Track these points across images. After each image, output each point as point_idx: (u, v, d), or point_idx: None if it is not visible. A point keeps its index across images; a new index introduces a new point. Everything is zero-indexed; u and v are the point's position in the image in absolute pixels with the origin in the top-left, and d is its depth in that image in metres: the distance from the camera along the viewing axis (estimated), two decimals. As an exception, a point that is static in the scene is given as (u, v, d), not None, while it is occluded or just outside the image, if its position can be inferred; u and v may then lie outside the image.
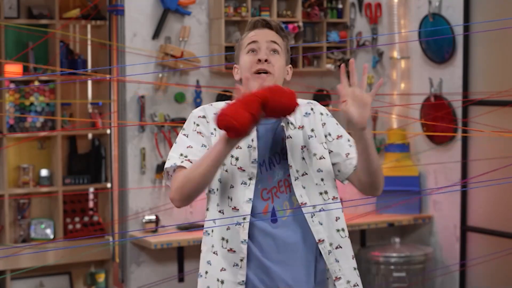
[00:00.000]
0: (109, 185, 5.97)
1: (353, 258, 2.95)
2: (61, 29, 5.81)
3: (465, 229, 5.79)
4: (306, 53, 5.96)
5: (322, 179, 2.79)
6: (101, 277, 5.99)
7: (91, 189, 6.06)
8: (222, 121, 2.54)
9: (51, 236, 5.88)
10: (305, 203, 2.75)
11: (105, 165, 6.03)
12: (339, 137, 2.87)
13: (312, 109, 2.91)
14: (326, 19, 5.91)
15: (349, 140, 2.87)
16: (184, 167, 2.74)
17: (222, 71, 5.65)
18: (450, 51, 5.81)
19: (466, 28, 5.71)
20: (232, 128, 2.53)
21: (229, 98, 5.71)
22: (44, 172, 5.90)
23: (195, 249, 5.64)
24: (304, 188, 2.76)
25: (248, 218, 2.72)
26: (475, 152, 5.69)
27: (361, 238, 6.19)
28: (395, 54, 6.19)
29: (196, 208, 5.68)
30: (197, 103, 5.65)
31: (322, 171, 2.80)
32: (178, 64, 5.50)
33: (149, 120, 5.52)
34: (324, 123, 2.90)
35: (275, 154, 2.78)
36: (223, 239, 2.76)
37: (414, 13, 6.07)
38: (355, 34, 6.13)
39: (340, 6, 5.98)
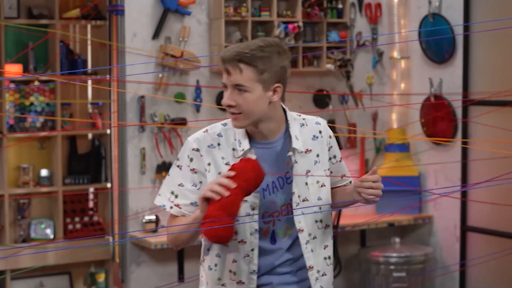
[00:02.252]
0: (109, 185, 5.97)
1: (332, 284, 2.97)
2: (61, 29, 5.81)
3: (465, 229, 5.79)
4: (306, 53, 5.96)
5: (320, 208, 2.83)
6: (101, 277, 5.99)
7: (91, 189, 6.06)
8: (211, 238, 2.58)
9: (51, 236, 5.88)
10: (302, 230, 2.80)
11: (105, 165, 6.03)
12: (341, 159, 2.96)
13: (320, 131, 2.88)
14: (326, 19, 5.91)
15: (344, 162, 2.99)
16: (175, 215, 2.80)
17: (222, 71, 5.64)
18: (450, 51, 5.81)
19: (466, 28, 5.71)
20: (223, 240, 2.59)
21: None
22: (44, 172, 5.90)
23: (195, 249, 5.63)
24: (302, 214, 2.80)
25: (256, 250, 2.77)
26: (475, 152, 5.68)
27: (361, 238, 6.19)
28: (395, 54, 6.19)
29: (196, 208, 5.67)
30: (197, 104, 5.64)
31: (321, 199, 2.84)
32: (178, 64, 5.50)
33: (149, 120, 5.52)
34: (331, 146, 2.92)
35: (278, 178, 2.79)
36: (230, 271, 2.80)
37: (414, 13, 6.07)
38: (355, 34, 6.13)
39: (340, 6, 5.98)
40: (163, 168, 5.58)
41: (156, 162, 5.58)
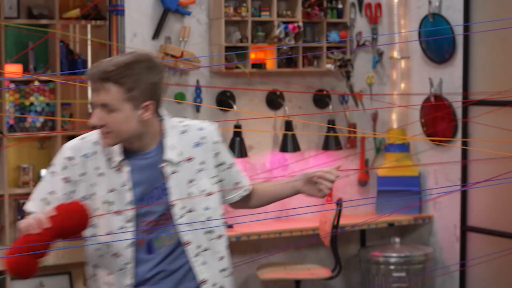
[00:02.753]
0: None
1: None
2: (61, 29, 5.81)
3: (465, 229, 5.79)
4: (306, 53, 5.95)
5: (209, 218, 2.69)
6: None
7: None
8: (9, 271, 2.52)
9: (51, 236, 5.87)
10: (190, 242, 2.67)
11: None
12: (231, 165, 2.80)
13: (204, 137, 2.73)
14: (326, 19, 5.91)
15: (237, 168, 2.83)
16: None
17: (222, 71, 5.65)
18: (450, 51, 5.81)
19: (466, 28, 5.71)
20: (19, 277, 2.56)
21: (228, 97, 5.72)
22: (44, 172, 5.89)
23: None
24: (190, 226, 2.66)
25: (132, 263, 2.65)
26: (475, 152, 5.68)
27: (361, 238, 6.19)
28: (395, 54, 6.19)
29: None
30: (197, 104, 5.64)
31: (209, 208, 2.70)
32: (178, 64, 5.50)
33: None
34: (218, 152, 2.76)
35: (156, 188, 2.66)
36: (105, 284, 2.70)
37: (414, 13, 6.06)
38: (355, 34, 6.13)
39: (340, 6, 5.98)
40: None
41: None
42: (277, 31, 5.65)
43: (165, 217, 2.67)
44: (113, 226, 2.64)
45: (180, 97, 5.59)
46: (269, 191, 2.90)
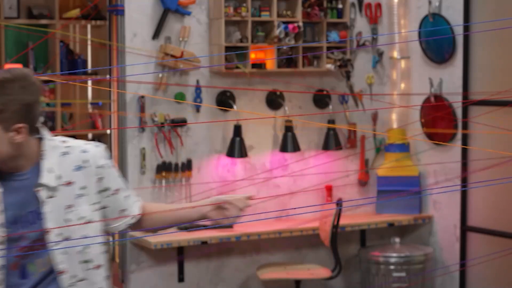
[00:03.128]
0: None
1: None
2: (61, 29, 5.81)
3: (465, 229, 5.78)
4: (306, 53, 5.95)
5: (86, 247, 2.54)
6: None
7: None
8: None
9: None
10: (65, 271, 2.52)
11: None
12: (116, 191, 2.64)
13: (87, 161, 2.56)
14: (326, 19, 5.91)
15: (125, 194, 2.67)
16: None
17: (222, 71, 5.65)
18: (450, 51, 5.81)
19: (466, 28, 5.71)
20: None
21: (228, 97, 5.72)
22: (44, 172, 5.89)
23: (195, 249, 5.64)
24: (65, 254, 2.52)
25: (3, 286, 2.50)
26: (475, 152, 5.68)
27: (361, 238, 6.19)
28: (395, 54, 6.19)
29: (196, 208, 5.67)
30: (197, 104, 5.65)
31: (88, 237, 2.53)
32: (178, 64, 5.50)
33: (149, 120, 5.51)
34: (101, 177, 2.59)
35: (30, 213, 2.52)
36: None
37: (414, 13, 6.06)
38: (355, 34, 6.13)
39: (340, 6, 5.98)
40: (163, 168, 5.58)
41: (156, 162, 5.58)
42: (277, 31, 5.65)
43: (40, 243, 2.53)
44: None
45: (180, 97, 5.59)
46: (170, 216, 2.76)
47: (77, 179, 2.54)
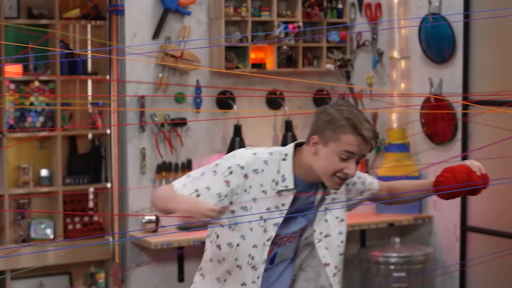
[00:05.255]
0: (109, 185, 5.97)
1: None
2: (61, 29, 5.81)
3: (465, 229, 5.79)
4: (306, 53, 5.96)
5: (342, 241, 2.93)
6: (101, 277, 5.99)
7: (91, 189, 6.06)
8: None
9: (51, 236, 5.87)
10: (328, 264, 2.90)
11: (105, 165, 6.03)
12: (363, 182, 3.06)
13: (354, 183, 3.00)
14: (326, 19, 5.91)
15: (370, 181, 3.08)
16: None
17: (222, 71, 5.65)
18: (450, 51, 5.81)
19: (466, 28, 5.70)
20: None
21: (229, 98, 5.72)
22: (44, 172, 5.90)
23: (195, 249, 5.63)
24: (327, 249, 2.89)
25: (261, 277, 2.84)
26: (475, 152, 5.68)
27: (361, 238, 6.19)
28: (395, 54, 6.19)
29: (196, 208, 5.67)
30: (197, 103, 5.65)
31: (342, 233, 2.93)
32: (178, 64, 5.50)
33: (149, 120, 5.52)
34: (362, 192, 3.05)
35: (298, 211, 2.85)
36: None
37: (414, 13, 6.06)
38: (355, 34, 6.13)
39: (340, 6, 5.98)
40: (163, 168, 5.58)
41: (156, 162, 5.58)
42: (277, 31, 5.65)
43: (294, 235, 2.87)
44: (260, 241, 2.80)
45: (180, 97, 5.59)
46: (409, 185, 3.14)
47: (342, 192, 2.95)
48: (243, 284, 2.83)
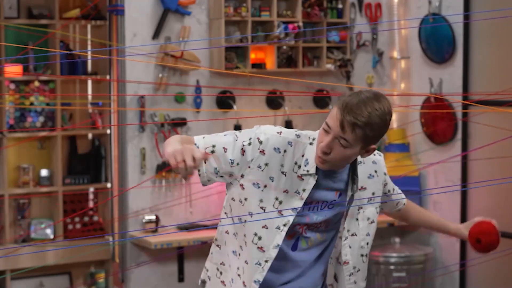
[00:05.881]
0: (109, 185, 5.97)
1: None
2: (61, 29, 5.81)
3: (465, 229, 5.78)
4: (306, 53, 5.96)
5: (367, 243, 2.92)
6: (101, 277, 5.99)
7: (91, 189, 6.06)
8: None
9: (51, 236, 5.88)
10: (348, 262, 2.86)
11: (105, 165, 6.03)
12: (393, 190, 3.03)
13: (376, 171, 2.89)
14: (326, 19, 5.91)
15: (397, 191, 3.07)
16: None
17: (222, 71, 5.65)
18: (450, 51, 5.81)
19: (466, 29, 5.70)
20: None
21: (229, 97, 5.72)
22: (44, 172, 5.90)
23: (195, 249, 5.64)
24: (350, 247, 2.86)
25: (270, 262, 2.75)
26: (475, 152, 5.68)
27: (361, 238, 6.19)
28: (395, 54, 6.19)
29: (196, 208, 5.68)
30: (197, 103, 5.65)
31: (369, 235, 2.94)
32: (178, 64, 5.50)
33: (149, 120, 5.52)
34: (386, 184, 2.96)
35: (323, 202, 2.77)
36: (238, 268, 2.80)
37: (414, 13, 6.07)
38: (355, 34, 6.13)
39: (340, 6, 5.98)
40: (163, 168, 5.58)
41: (156, 162, 5.58)
42: (277, 31, 5.65)
43: (316, 226, 2.79)
44: (272, 223, 2.72)
45: (180, 97, 5.59)
46: (432, 221, 3.24)
47: (368, 185, 2.86)
48: (246, 262, 2.76)
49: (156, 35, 5.51)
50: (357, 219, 2.86)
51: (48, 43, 5.84)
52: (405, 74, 6.18)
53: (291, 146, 2.72)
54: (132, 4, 5.47)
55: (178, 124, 5.58)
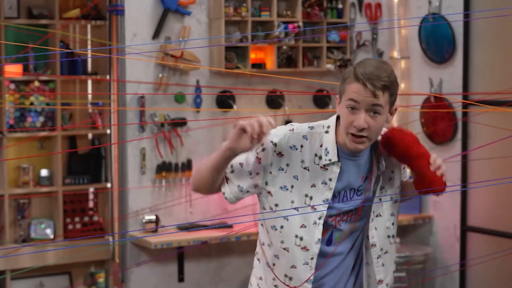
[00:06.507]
0: (109, 185, 5.97)
1: None
2: (61, 29, 5.81)
3: (465, 229, 5.79)
4: (306, 53, 5.96)
5: (392, 223, 2.83)
6: (101, 277, 5.99)
7: (91, 189, 6.06)
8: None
9: (51, 236, 5.88)
10: (375, 245, 2.80)
11: (105, 165, 6.03)
12: (405, 167, 2.92)
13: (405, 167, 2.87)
14: (326, 19, 5.91)
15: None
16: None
17: (222, 71, 5.65)
18: (450, 51, 5.81)
19: (466, 29, 5.70)
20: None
21: (228, 97, 5.72)
22: (44, 172, 5.90)
23: (195, 249, 5.64)
24: (376, 229, 2.79)
25: (315, 258, 2.72)
26: (475, 152, 5.69)
27: (361, 238, 6.19)
28: (395, 54, 6.19)
29: (196, 208, 5.68)
30: (197, 103, 5.65)
31: (394, 215, 2.84)
32: (178, 64, 5.50)
33: (149, 120, 5.52)
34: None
35: (351, 190, 2.74)
36: (286, 276, 2.75)
37: (414, 13, 6.07)
38: (355, 34, 6.13)
39: (340, 6, 5.98)
40: (163, 168, 5.58)
41: (156, 162, 5.58)
42: (277, 31, 5.65)
43: (348, 214, 2.75)
44: (308, 220, 2.69)
45: (180, 96, 5.59)
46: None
47: (390, 165, 2.79)
48: (293, 266, 2.72)
49: (156, 35, 5.51)
50: (380, 199, 2.78)
51: (48, 43, 5.84)
52: (405, 74, 6.18)
53: (307, 139, 2.70)
54: (132, 4, 5.47)
55: (178, 124, 5.58)
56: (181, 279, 5.69)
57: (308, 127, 2.73)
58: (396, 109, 2.70)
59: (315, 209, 2.68)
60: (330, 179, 2.69)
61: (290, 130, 2.72)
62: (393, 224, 2.82)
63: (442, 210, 5.99)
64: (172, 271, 5.67)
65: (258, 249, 2.88)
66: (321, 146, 2.69)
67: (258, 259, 2.87)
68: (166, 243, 5.35)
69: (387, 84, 2.58)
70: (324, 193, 2.69)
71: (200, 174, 2.75)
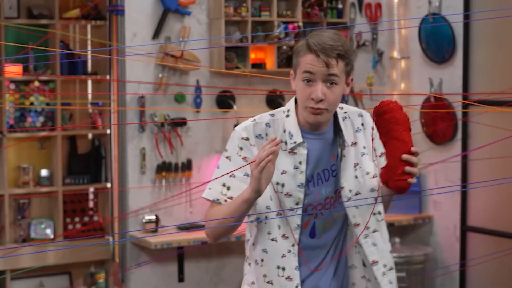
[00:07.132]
0: (109, 185, 5.97)
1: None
2: (61, 29, 5.81)
3: (465, 229, 5.79)
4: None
5: (375, 200, 2.71)
6: (101, 277, 5.99)
7: (91, 189, 6.06)
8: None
9: (51, 236, 5.88)
10: (358, 224, 2.69)
11: (105, 165, 6.03)
12: (382, 154, 2.77)
13: (363, 124, 2.77)
14: (326, 19, 5.91)
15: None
16: (215, 204, 2.76)
17: (222, 71, 5.65)
18: (450, 51, 5.81)
19: (466, 29, 5.70)
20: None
21: (228, 97, 5.72)
22: (44, 172, 5.90)
23: (195, 249, 5.64)
24: (357, 208, 2.69)
25: (296, 245, 2.67)
26: (475, 152, 5.69)
27: (361, 238, 6.19)
28: (395, 54, 6.19)
29: (196, 208, 5.68)
30: (197, 103, 5.65)
31: (375, 190, 2.70)
32: (178, 64, 5.50)
33: (149, 120, 5.52)
34: (374, 138, 2.78)
35: (324, 171, 2.69)
36: (278, 267, 2.70)
37: (414, 13, 6.07)
38: (355, 34, 6.13)
39: (340, 6, 5.98)
40: (163, 168, 5.58)
41: (156, 162, 5.58)
42: (277, 31, 5.65)
43: (330, 201, 2.70)
44: (284, 207, 2.65)
45: (180, 96, 5.59)
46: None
47: (358, 140, 2.72)
48: (283, 256, 2.67)
49: (156, 35, 5.51)
50: (356, 177, 2.68)
51: (48, 43, 5.84)
52: (405, 74, 6.18)
53: (270, 127, 2.71)
54: (132, 4, 5.47)
55: (178, 124, 5.58)
56: (181, 279, 5.69)
57: (269, 114, 2.74)
58: (352, 80, 2.72)
59: (290, 194, 2.64)
60: (300, 162, 2.65)
61: (252, 121, 2.74)
62: (375, 200, 2.70)
63: (442, 210, 5.99)
64: (172, 271, 5.67)
65: (246, 252, 2.84)
66: (284, 131, 2.69)
67: (249, 264, 2.82)
68: (166, 243, 5.35)
69: (341, 53, 2.62)
70: (297, 178, 2.65)
71: (221, 229, 2.73)
